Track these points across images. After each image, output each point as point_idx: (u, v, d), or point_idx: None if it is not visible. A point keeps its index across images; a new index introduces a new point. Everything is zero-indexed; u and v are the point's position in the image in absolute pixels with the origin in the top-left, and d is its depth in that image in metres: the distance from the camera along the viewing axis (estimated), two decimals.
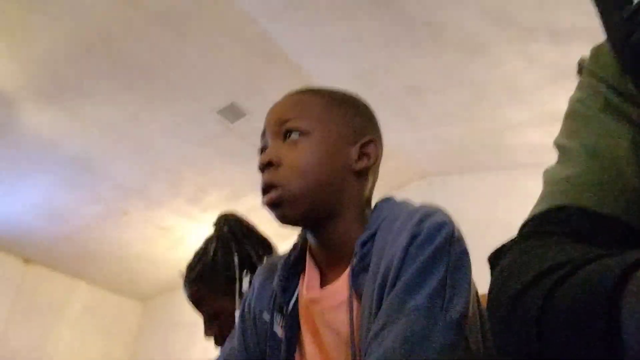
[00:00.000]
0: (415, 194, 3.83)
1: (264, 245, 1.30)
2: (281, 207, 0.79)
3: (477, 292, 0.74)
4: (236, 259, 1.24)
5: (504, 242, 0.56)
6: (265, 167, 0.80)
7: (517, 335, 0.44)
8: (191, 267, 1.29)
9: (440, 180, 3.91)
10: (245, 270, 1.24)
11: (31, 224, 4.10)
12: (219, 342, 1.25)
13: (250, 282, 1.19)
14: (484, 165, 3.70)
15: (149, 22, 2.76)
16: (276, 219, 0.81)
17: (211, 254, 1.27)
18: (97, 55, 2.92)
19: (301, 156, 0.79)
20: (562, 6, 2.42)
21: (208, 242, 1.31)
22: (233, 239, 1.27)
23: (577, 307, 0.38)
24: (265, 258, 1.27)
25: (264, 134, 0.85)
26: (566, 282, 0.41)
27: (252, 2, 2.71)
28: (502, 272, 0.51)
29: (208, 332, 1.27)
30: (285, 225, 0.81)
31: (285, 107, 0.84)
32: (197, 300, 1.27)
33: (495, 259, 0.55)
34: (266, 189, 0.79)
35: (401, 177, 3.87)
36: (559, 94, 2.83)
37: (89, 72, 3.01)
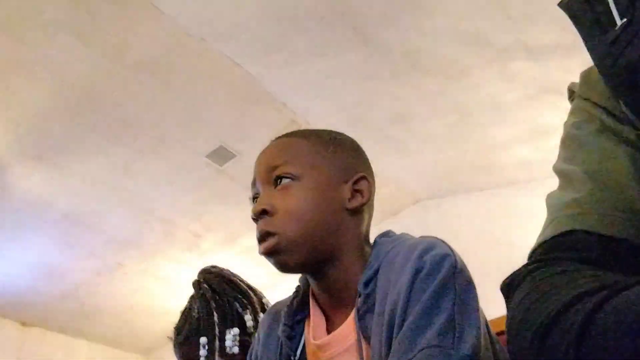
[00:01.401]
0: (410, 219, 3.85)
1: (248, 295, 1.27)
2: (279, 254, 0.78)
3: (486, 321, 0.73)
4: (216, 316, 1.21)
5: (514, 271, 0.54)
6: (259, 216, 0.79)
7: None
8: (178, 330, 1.27)
9: (434, 204, 3.91)
10: (229, 325, 1.21)
11: (26, 286, 4.04)
12: None
13: (235, 334, 1.19)
14: (475, 185, 3.71)
15: (132, 74, 2.79)
16: (275, 267, 0.80)
17: (195, 314, 1.24)
18: (82, 110, 2.93)
19: (295, 202, 0.78)
20: (536, 24, 2.47)
21: (191, 301, 1.28)
22: (212, 297, 1.24)
23: (622, 331, 0.36)
24: (255, 307, 1.25)
25: (254, 183, 0.84)
26: (604, 307, 0.39)
27: (233, 47, 2.75)
28: (522, 302, 0.49)
29: None
30: (283, 272, 0.80)
31: (273, 154, 0.84)
32: None
33: (508, 287, 0.54)
34: (262, 237, 0.78)
35: (395, 204, 3.87)
36: (541, 109, 2.87)
37: (76, 128, 3.02)
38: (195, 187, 3.54)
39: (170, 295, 4.32)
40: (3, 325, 4.34)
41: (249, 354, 0.91)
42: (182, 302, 1.32)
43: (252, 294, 1.27)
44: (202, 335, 1.20)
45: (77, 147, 3.12)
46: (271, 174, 0.81)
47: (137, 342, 4.93)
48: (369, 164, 0.88)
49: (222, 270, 1.33)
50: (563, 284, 0.47)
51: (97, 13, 2.53)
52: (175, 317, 1.34)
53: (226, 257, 4.02)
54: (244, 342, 1.20)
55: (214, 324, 1.20)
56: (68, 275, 4.02)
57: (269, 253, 0.78)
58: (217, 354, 1.18)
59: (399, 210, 3.96)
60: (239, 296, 1.26)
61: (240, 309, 1.24)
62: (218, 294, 1.25)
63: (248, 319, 1.22)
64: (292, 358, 0.82)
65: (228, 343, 1.19)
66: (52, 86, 2.78)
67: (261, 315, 1.22)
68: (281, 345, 0.84)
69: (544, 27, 2.47)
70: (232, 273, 1.32)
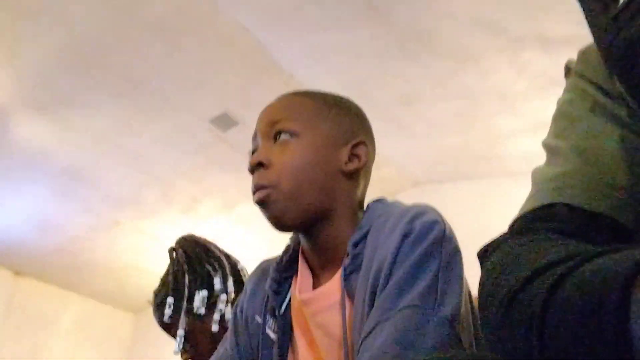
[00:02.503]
0: (408, 202, 3.85)
1: (220, 260, 1.31)
2: (271, 207, 0.79)
3: (469, 291, 0.74)
4: (187, 279, 1.25)
5: (491, 239, 0.55)
6: (255, 168, 0.80)
7: (514, 333, 0.43)
8: (156, 293, 1.31)
9: (433, 189, 3.92)
10: (198, 287, 1.25)
11: (21, 236, 4.06)
12: None
13: (204, 297, 1.23)
14: (476, 173, 3.71)
15: (141, 33, 2.77)
16: (268, 221, 0.80)
17: (171, 278, 1.29)
18: (89, 65, 2.91)
19: (291, 157, 0.79)
20: (551, 15, 2.44)
21: (169, 266, 1.33)
22: (185, 261, 1.29)
23: (587, 301, 0.36)
24: (225, 271, 1.29)
25: (255, 136, 0.85)
26: (570, 277, 0.39)
27: (244, 12, 2.72)
28: (493, 268, 0.50)
29: (184, 354, 1.26)
30: (278, 229, 0.81)
31: (276, 109, 0.85)
32: (166, 323, 1.27)
33: (484, 254, 0.54)
34: (256, 189, 0.80)
35: (394, 186, 3.88)
36: (549, 102, 2.83)
37: (81, 83, 3.00)
38: (197, 151, 3.53)
39: (164, 256, 4.34)
40: None
41: (234, 307, 0.93)
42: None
43: (224, 260, 1.31)
44: (172, 296, 1.25)
45: (81, 101, 3.11)
46: (271, 129, 0.82)
47: (127, 300, 4.98)
48: (371, 132, 0.89)
49: (197, 237, 1.38)
50: (533, 253, 0.47)
51: None
52: None
53: (222, 223, 4.04)
54: (211, 304, 1.25)
55: (185, 286, 1.25)
56: (64, 228, 4.04)
57: (260, 204, 0.79)
58: (183, 313, 1.23)
59: (398, 192, 3.96)
60: (211, 260, 1.30)
61: (211, 272, 1.28)
62: (190, 258, 1.30)
63: (217, 282, 1.27)
64: (276, 312, 0.83)
65: (196, 304, 1.23)
66: (60, 38, 2.75)
67: (231, 280, 1.28)
68: (267, 299, 0.85)
69: (559, 19, 2.44)
70: (207, 240, 1.37)
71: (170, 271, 1.30)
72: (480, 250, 0.56)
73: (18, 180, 3.58)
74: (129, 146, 3.44)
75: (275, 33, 2.82)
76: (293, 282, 0.85)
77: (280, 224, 0.80)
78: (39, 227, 4.00)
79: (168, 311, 1.24)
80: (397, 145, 3.54)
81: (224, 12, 2.70)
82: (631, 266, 0.35)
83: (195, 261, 1.29)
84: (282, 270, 0.86)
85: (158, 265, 5.03)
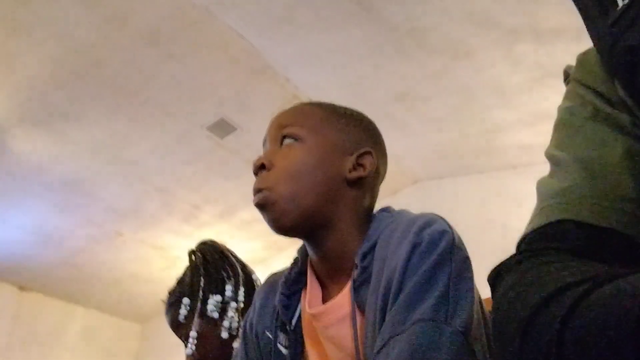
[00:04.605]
0: (409, 199, 3.85)
1: (235, 268, 1.33)
2: (269, 209, 0.79)
3: (480, 298, 0.73)
4: (202, 281, 1.27)
5: (502, 261, 0.54)
6: (258, 170, 0.81)
7: (532, 358, 0.42)
8: (170, 293, 1.34)
9: (433, 185, 3.91)
10: (213, 291, 1.27)
11: (25, 251, 4.06)
12: None
13: (217, 301, 1.25)
14: (475, 168, 3.70)
15: (135, 43, 2.76)
16: (269, 224, 0.80)
17: (186, 279, 1.31)
18: (84, 77, 2.91)
19: (292, 161, 0.80)
20: (544, 6, 2.44)
21: (186, 268, 1.35)
22: (202, 264, 1.31)
23: (605, 323, 0.35)
24: (237, 277, 1.30)
25: (264, 142, 0.86)
26: (586, 300, 0.38)
27: (236, 18, 2.72)
28: (505, 294, 0.49)
29: (190, 358, 1.27)
30: (278, 232, 0.81)
31: (285, 115, 0.86)
32: (176, 324, 1.29)
33: (496, 278, 0.53)
34: (256, 191, 0.80)
35: (394, 183, 3.87)
36: (546, 94, 2.85)
37: (77, 95, 3.00)
38: (195, 159, 3.53)
39: (167, 265, 4.35)
40: (1, 289, 4.38)
41: (243, 322, 0.93)
42: (178, 272, 1.37)
43: (239, 268, 1.33)
44: (188, 297, 1.27)
45: (78, 113, 3.11)
46: (278, 133, 0.83)
47: (133, 310, 4.98)
48: (383, 146, 0.90)
49: (217, 243, 1.40)
50: (546, 276, 0.46)
51: None
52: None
53: (224, 229, 4.04)
54: (223, 310, 1.27)
55: (200, 288, 1.27)
56: (66, 241, 4.04)
57: (259, 206, 0.80)
58: (196, 314, 1.25)
59: (398, 190, 3.96)
60: (227, 267, 1.32)
61: (225, 278, 1.30)
62: (208, 262, 1.32)
63: (228, 288, 1.28)
64: (287, 327, 0.83)
65: (210, 307, 1.25)
66: (54, 51, 2.75)
67: (242, 289, 1.29)
68: (277, 314, 0.85)
69: (552, 11, 2.44)
70: (226, 247, 1.39)
71: (187, 273, 1.33)
72: (491, 273, 0.54)
73: (19, 195, 3.58)
74: (127, 157, 3.44)
75: (269, 37, 2.82)
76: (302, 295, 0.84)
77: (278, 226, 0.80)
78: (41, 241, 4.00)
79: (184, 311, 1.26)
80: (395, 142, 3.54)
81: (217, 19, 2.70)
82: None
83: (211, 266, 1.31)
84: (291, 284, 0.85)
85: (161, 275, 5.04)
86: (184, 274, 1.34)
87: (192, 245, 1.39)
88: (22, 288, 4.49)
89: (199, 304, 1.25)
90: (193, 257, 1.35)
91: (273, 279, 0.92)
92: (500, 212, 3.34)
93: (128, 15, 2.65)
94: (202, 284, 1.27)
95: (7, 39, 2.68)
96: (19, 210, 3.69)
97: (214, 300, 1.25)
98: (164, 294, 1.36)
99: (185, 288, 1.29)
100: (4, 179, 3.43)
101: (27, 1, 2.54)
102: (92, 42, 2.74)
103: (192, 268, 1.32)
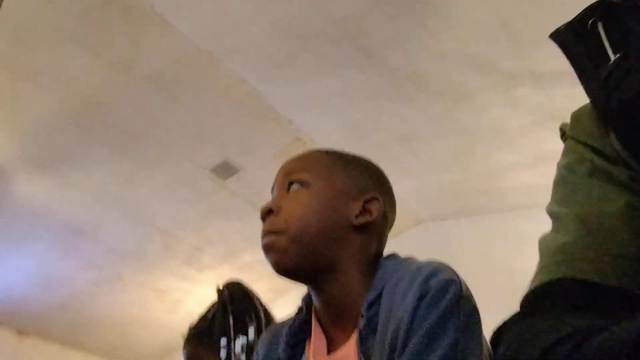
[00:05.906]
0: (412, 241, 3.82)
1: (257, 312, 1.34)
2: (275, 252, 0.79)
3: (489, 347, 0.73)
4: (231, 320, 1.29)
5: (503, 321, 0.54)
6: (265, 215, 0.82)
7: None
8: (191, 326, 1.35)
9: (436, 226, 3.90)
10: (240, 332, 1.29)
11: (24, 294, 4.03)
12: None
13: (243, 344, 1.25)
14: (478, 209, 3.70)
15: (139, 87, 2.81)
16: (272, 266, 0.80)
17: (210, 315, 1.33)
18: (87, 121, 2.95)
19: (299, 205, 0.81)
20: (542, 51, 2.48)
21: (211, 304, 1.37)
22: (230, 302, 1.33)
23: None
24: (259, 321, 1.31)
25: (272, 189, 0.87)
26: (582, 347, 0.39)
27: (240, 62, 2.76)
28: (505, 352, 0.50)
29: None
30: (280, 273, 0.80)
31: (293, 162, 0.87)
32: (193, 358, 1.30)
33: (497, 338, 0.53)
34: (264, 235, 0.81)
35: (396, 225, 3.81)
36: (546, 136, 2.87)
37: (80, 139, 3.03)
38: (198, 201, 3.54)
39: (167, 308, 4.29)
40: None
41: None
42: (179, 316, 1.38)
43: (262, 313, 1.35)
44: (215, 335, 1.28)
45: (81, 157, 3.13)
46: (286, 180, 0.85)
47: (132, 354, 4.89)
48: (391, 193, 0.91)
49: (244, 285, 1.42)
50: (542, 333, 0.46)
51: (106, 24, 2.56)
52: (172, 332, 1.38)
53: (226, 271, 4.00)
54: (249, 351, 1.27)
55: (230, 327, 1.28)
56: (66, 284, 4.01)
57: (265, 249, 0.80)
58: (232, 355, 1.26)
59: (402, 232, 3.94)
60: (251, 310, 1.33)
61: (248, 321, 1.31)
62: (234, 301, 1.34)
63: (251, 331, 1.29)
64: None
65: (237, 349, 1.26)
66: (58, 96, 2.80)
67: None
68: None
69: (551, 54, 2.46)
70: (252, 291, 1.41)
71: (213, 309, 1.34)
72: (493, 333, 0.54)
73: (20, 238, 3.57)
74: (129, 199, 3.44)
75: (272, 82, 2.86)
76: (307, 345, 0.83)
77: (281, 269, 0.80)
78: (41, 285, 3.96)
79: (223, 353, 1.26)
80: (397, 184, 3.50)
81: (221, 64, 2.75)
82: (636, 339, 0.36)
83: (238, 305, 1.33)
84: (295, 333, 0.84)
85: (161, 319, 4.98)
86: (208, 310, 1.35)
87: (194, 288, 1.40)
88: (20, 333, 4.42)
89: (232, 344, 1.26)
90: (221, 294, 1.36)
91: (276, 328, 0.91)
92: (504, 254, 3.32)
93: (134, 60, 2.70)
94: (231, 322, 1.29)
95: (13, 83, 2.72)
96: (18, 253, 3.67)
97: (240, 341, 1.27)
98: (163, 338, 1.35)
99: (209, 324, 1.31)
100: (5, 221, 3.42)
101: (33, 47, 2.60)
102: (97, 86, 2.78)
103: (219, 305, 1.34)
